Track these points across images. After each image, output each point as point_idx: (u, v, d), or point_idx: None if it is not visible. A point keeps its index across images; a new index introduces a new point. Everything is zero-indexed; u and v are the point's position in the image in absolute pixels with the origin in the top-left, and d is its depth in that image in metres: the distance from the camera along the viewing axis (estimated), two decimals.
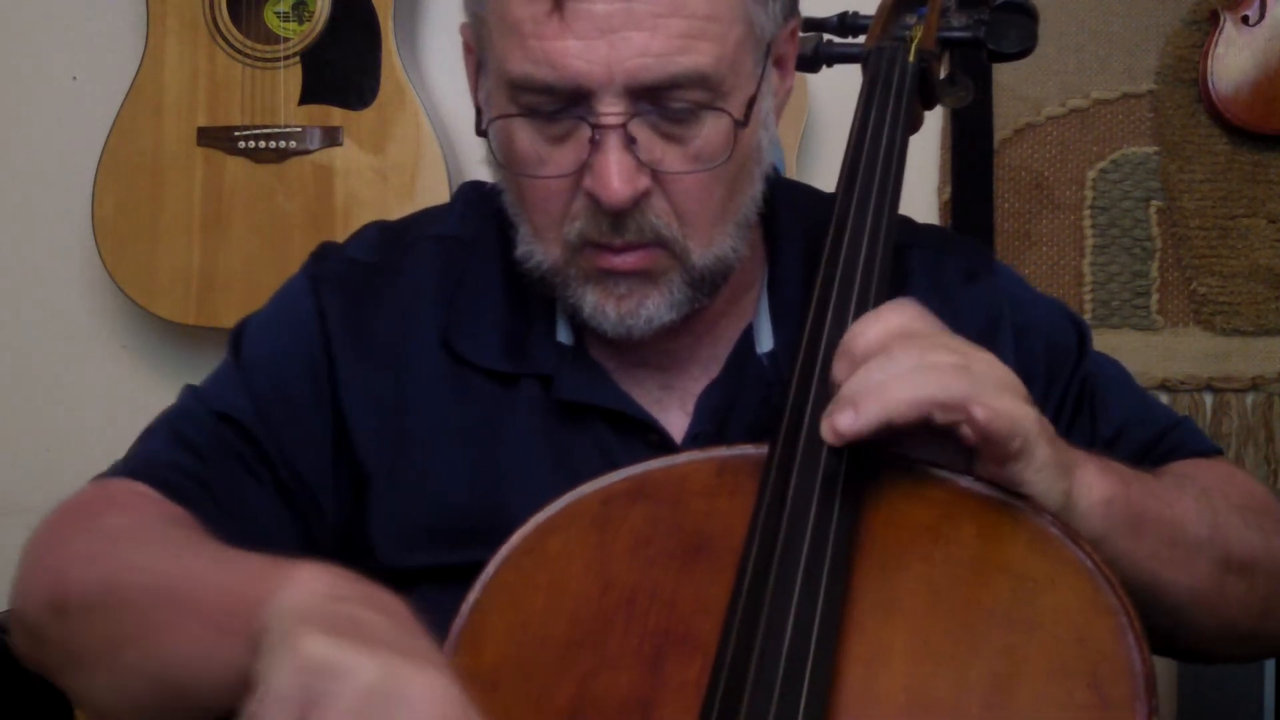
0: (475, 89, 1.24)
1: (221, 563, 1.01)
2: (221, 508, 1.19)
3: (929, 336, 1.01)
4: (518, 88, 1.14)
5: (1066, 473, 1.04)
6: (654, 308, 1.18)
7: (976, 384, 0.99)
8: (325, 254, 1.32)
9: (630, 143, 1.12)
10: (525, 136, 1.16)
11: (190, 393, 1.26)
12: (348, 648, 0.84)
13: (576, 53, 1.10)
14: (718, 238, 1.18)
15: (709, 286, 1.20)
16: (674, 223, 1.16)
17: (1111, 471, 1.09)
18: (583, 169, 1.14)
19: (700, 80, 1.13)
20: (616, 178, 1.12)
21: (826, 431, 0.99)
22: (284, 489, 1.22)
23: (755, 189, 1.22)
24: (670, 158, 1.14)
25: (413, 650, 0.86)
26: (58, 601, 1.07)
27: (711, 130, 1.15)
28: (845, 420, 0.97)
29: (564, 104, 1.13)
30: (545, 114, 1.14)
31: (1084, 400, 1.30)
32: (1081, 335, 1.34)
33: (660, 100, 1.13)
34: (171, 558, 1.05)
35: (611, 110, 1.12)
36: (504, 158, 1.19)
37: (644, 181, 1.13)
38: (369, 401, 1.24)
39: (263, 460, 1.22)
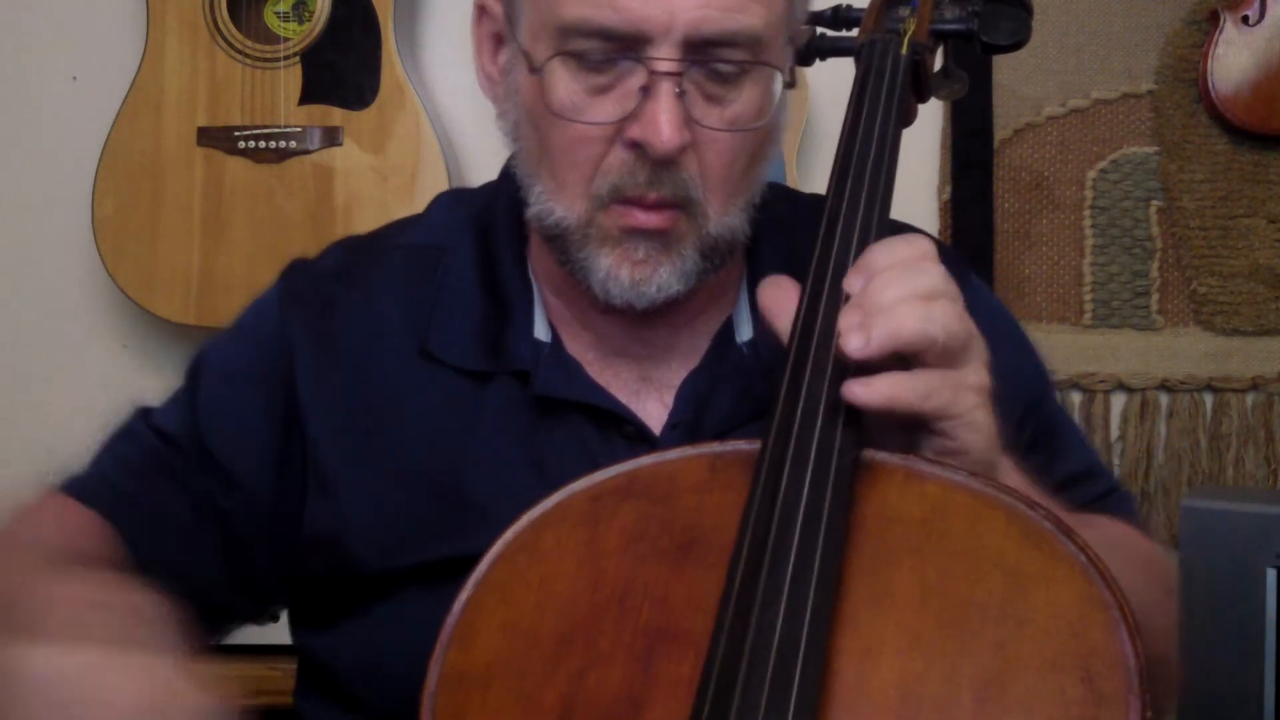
0: (481, 54, 1.26)
1: (60, 583, 1.00)
2: (143, 518, 1.25)
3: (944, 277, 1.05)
4: (569, 33, 1.15)
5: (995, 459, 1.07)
6: (666, 276, 1.19)
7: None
8: (293, 269, 1.34)
9: (681, 94, 1.14)
10: (564, 85, 1.17)
11: (140, 413, 1.33)
12: (48, 651, 0.84)
13: None
14: (731, 208, 1.21)
15: (717, 257, 1.22)
16: (701, 184, 1.18)
17: (1032, 484, 1.10)
18: (623, 121, 1.16)
19: (752, 41, 1.16)
20: (669, 125, 1.13)
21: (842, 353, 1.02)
22: (210, 501, 1.26)
23: (765, 172, 1.24)
24: (710, 118, 1.17)
25: (126, 641, 0.86)
26: None
27: (749, 95, 1.18)
28: (855, 344, 1.00)
29: (614, 52, 1.15)
30: (592, 62, 1.15)
31: (1041, 438, 1.31)
32: (1045, 375, 1.37)
33: (709, 58, 1.15)
34: (25, 570, 1.07)
35: (668, 58, 1.13)
36: (535, 108, 1.19)
37: (688, 135, 1.16)
38: (335, 408, 1.25)
39: (190, 474, 1.26)
